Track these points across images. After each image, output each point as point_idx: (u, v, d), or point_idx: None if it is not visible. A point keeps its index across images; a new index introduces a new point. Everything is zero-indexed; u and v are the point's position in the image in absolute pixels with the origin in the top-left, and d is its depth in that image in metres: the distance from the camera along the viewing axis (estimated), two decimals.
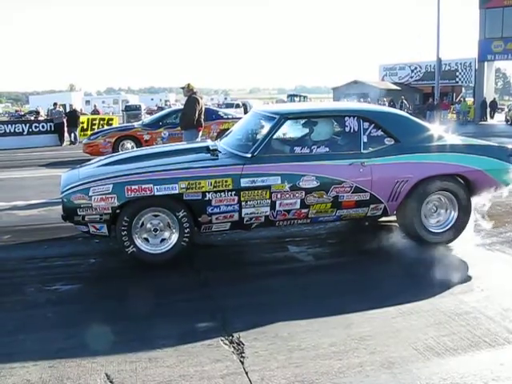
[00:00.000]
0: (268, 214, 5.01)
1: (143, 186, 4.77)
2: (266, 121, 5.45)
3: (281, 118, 5.27)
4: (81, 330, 3.63)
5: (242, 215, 4.97)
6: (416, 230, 5.35)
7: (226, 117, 15.08)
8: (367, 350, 3.30)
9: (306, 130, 5.59)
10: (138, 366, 3.13)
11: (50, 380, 3.01)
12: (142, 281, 4.69)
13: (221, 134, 14.06)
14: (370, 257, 5.16)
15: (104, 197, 4.76)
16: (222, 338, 3.45)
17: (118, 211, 4.80)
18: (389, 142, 5.34)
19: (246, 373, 3.04)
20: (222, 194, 4.86)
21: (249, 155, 5.04)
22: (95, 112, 27.18)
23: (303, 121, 5.62)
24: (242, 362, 3.15)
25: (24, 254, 5.46)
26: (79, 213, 4.82)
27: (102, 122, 21.39)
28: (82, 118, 21.34)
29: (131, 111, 35.19)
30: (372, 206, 5.26)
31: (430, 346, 3.32)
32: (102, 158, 6.22)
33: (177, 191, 4.79)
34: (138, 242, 4.89)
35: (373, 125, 5.34)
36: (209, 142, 5.98)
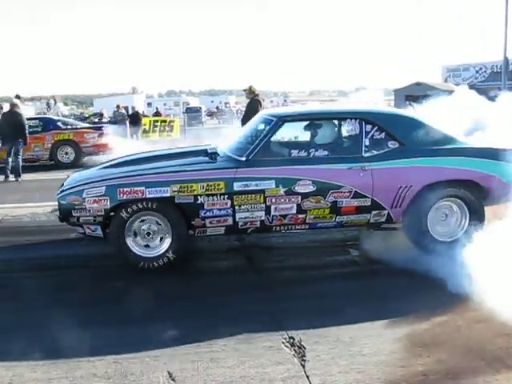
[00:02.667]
0: (263, 218, 4.88)
1: (135, 189, 4.76)
2: (266, 124, 5.33)
3: (278, 121, 5.15)
4: (144, 328, 3.70)
5: (236, 219, 4.86)
6: (422, 239, 5.07)
7: (64, 127, 14.53)
8: (431, 358, 3.21)
9: (305, 133, 5.48)
10: (199, 366, 3.16)
11: (115, 375, 3.08)
12: (202, 280, 4.74)
13: (56, 144, 13.81)
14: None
15: (97, 199, 4.80)
16: (283, 341, 3.44)
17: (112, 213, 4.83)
18: (393, 145, 5.11)
19: (307, 376, 3.02)
20: (215, 197, 4.78)
21: (243, 158, 4.96)
22: (157, 114, 27.70)
23: (302, 123, 5.48)
24: (303, 366, 3.13)
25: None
26: (74, 214, 4.89)
27: (163, 124, 21.82)
28: (144, 120, 21.82)
29: (192, 113, 35.97)
30: (374, 213, 5.03)
31: (498, 357, 3.20)
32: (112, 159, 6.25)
33: (168, 194, 4.76)
34: (131, 244, 4.90)
35: (376, 127, 5.12)
36: (210, 146, 5.88)
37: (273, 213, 4.87)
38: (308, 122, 5.47)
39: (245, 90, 8.98)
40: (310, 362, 3.18)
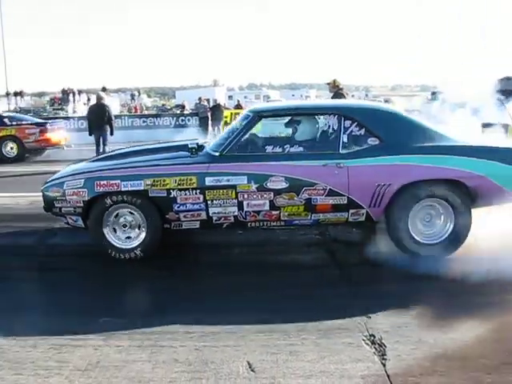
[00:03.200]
0: (237, 214, 4.86)
1: (111, 182, 4.90)
2: (244, 119, 5.24)
3: (254, 116, 5.11)
4: (224, 318, 3.75)
5: (210, 214, 4.88)
6: (402, 240, 4.86)
7: (9, 123, 14.78)
8: None
9: (282, 129, 5.36)
10: (278, 358, 3.17)
11: (196, 362, 3.14)
12: (284, 273, 4.73)
13: (0, 140, 14.16)
14: None
15: (76, 191, 4.98)
16: (364, 338, 3.39)
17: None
18: (373, 141, 4.90)
19: (388, 376, 2.95)
20: (187, 192, 4.83)
21: (217, 154, 4.97)
22: (238, 107, 27.97)
23: (279, 119, 5.35)
24: (384, 365, 3.07)
25: None
26: (56, 205, 5.11)
27: None
28: (226, 112, 22.08)
29: None
30: (352, 211, 4.86)
31: None
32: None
33: (142, 188, 4.86)
34: (109, 236, 5.05)
35: (355, 123, 4.93)
36: (197, 141, 5.74)
37: (245, 209, 4.84)
38: (285, 117, 5.36)
39: (328, 84, 8.88)
40: (390, 361, 3.11)
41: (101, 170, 5.15)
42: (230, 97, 54.01)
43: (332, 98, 8.64)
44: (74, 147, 15.52)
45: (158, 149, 6.05)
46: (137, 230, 5.07)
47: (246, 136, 5.07)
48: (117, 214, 5.06)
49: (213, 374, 3.00)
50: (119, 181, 4.92)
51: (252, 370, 3.04)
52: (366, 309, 3.84)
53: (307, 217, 4.91)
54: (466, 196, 4.81)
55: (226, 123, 21.26)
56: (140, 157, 5.55)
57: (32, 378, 3.06)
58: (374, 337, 3.39)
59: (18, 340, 3.53)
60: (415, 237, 4.88)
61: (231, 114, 22.35)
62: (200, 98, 22.33)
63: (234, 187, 4.81)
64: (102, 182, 4.94)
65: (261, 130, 5.32)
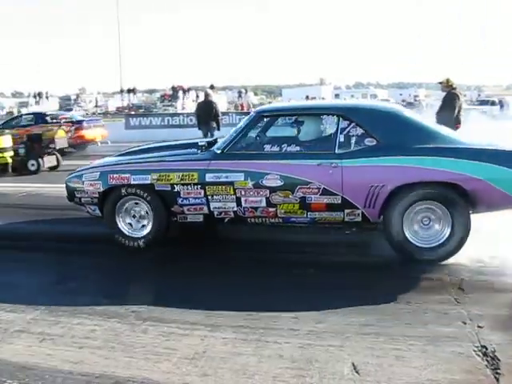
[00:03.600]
0: (236, 209, 5.09)
1: (122, 176, 5.33)
2: (247, 119, 5.42)
3: (256, 116, 5.33)
4: (329, 317, 3.73)
5: (211, 209, 5.15)
6: (398, 243, 4.82)
7: (50, 121, 15.55)
8: None
9: (282, 129, 5.49)
10: (383, 362, 3.10)
11: (300, 359, 3.15)
12: (397, 274, 4.64)
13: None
14: None
15: (92, 183, 5.46)
16: (475, 349, 3.24)
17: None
18: (370, 142, 4.89)
19: None
20: (189, 187, 5.11)
21: (219, 151, 5.19)
22: None
23: (280, 119, 5.47)
24: (497, 379, 2.91)
25: None
26: (76, 195, 5.64)
27: None
28: None
29: None
30: (347, 211, 4.88)
31: None
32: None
33: (149, 181, 5.22)
34: (121, 225, 5.47)
35: (353, 124, 4.94)
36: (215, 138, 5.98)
37: (244, 204, 5.05)
38: (286, 117, 5.51)
39: (440, 83, 8.56)
40: (505, 376, 2.94)
41: (115, 165, 5.60)
42: (337, 95, 53.62)
43: (444, 98, 8.33)
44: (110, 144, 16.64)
45: (176, 146, 6.41)
46: (145, 220, 5.44)
47: (248, 135, 5.28)
48: (129, 205, 5.47)
49: (317, 373, 3.00)
50: (129, 175, 5.33)
51: (356, 372, 3.00)
52: (477, 318, 3.66)
53: (303, 215, 5.00)
54: (464, 200, 4.67)
55: None
56: (155, 153, 5.93)
57: (143, 362, 3.21)
58: (486, 349, 3.22)
59: (129, 324, 3.73)
60: (411, 240, 4.81)
61: None
62: (307, 97, 22.36)
63: (231, 184, 5.02)
64: (114, 176, 5.39)
65: (270, 130, 5.47)
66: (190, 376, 3.03)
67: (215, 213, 5.19)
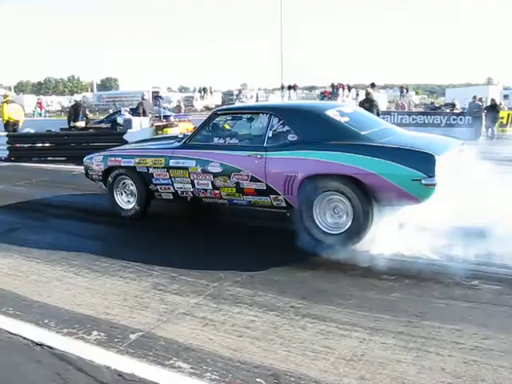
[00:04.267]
0: (192, 190, 6.16)
1: (116, 159, 6.79)
2: (208, 116, 6.57)
3: (212, 114, 6.50)
4: (498, 334, 3.49)
5: (175, 188, 6.30)
6: (307, 227, 5.33)
7: None
8: None
9: (229, 125, 6.34)
10: None
11: (464, 376, 2.97)
12: None
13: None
14: None
15: (98, 163, 7.01)
16: None
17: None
18: (292, 137, 5.58)
19: None
20: (158, 170, 6.33)
21: (182, 142, 6.41)
22: None
23: (229, 116, 6.39)
24: None
25: None
26: (89, 173, 7.27)
27: None
28: (502, 113, 20.56)
29: None
30: (272, 197, 5.64)
31: None
32: None
33: (132, 164, 6.59)
34: (118, 198, 6.95)
35: (281, 121, 5.69)
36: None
37: (196, 186, 6.10)
38: (234, 115, 6.41)
39: None
40: None
41: (115, 150, 7.21)
42: (506, 96, 50.01)
43: None
44: None
45: (165, 137, 8.09)
46: (132, 197, 6.82)
47: (204, 129, 6.32)
48: (123, 183, 6.86)
49: None
50: (121, 158, 6.75)
51: None
52: None
53: (240, 198, 5.89)
54: (363, 192, 5.03)
55: (501, 125, 19.83)
56: (148, 142, 7.64)
57: (300, 358, 3.24)
58: None
59: (288, 319, 3.79)
60: (320, 226, 5.30)
61: (508, 115, 20.74)
62: (474, 97, 21.10)
63: (187, 168, 6.11)
64: (111, 159, 6.86)
65: (220, 125, 6.38)
66: (347, 378, 3.00)
67: (179, 192, 6.33)
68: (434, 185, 4.82)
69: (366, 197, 5.05)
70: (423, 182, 4.82)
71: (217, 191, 5.98)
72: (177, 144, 6.49)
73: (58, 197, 8.70)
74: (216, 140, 6.12)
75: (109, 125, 17.70)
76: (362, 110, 7.52)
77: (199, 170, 6.01)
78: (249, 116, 6.24)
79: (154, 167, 6.38)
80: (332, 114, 5.84)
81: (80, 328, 3.73)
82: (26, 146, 14.53)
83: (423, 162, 4.90)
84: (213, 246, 5.66)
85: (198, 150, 6.11)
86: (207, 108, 46.33)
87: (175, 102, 34.59)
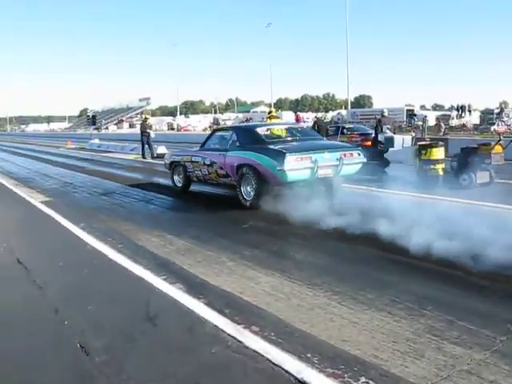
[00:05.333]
0: (201, 175, 10.93)
1: (173, 156, 12.13)
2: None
3: (212, 131, 12.68)
4: None
5: (195, 174, 11.19)
6: (240, 195, 9.57)
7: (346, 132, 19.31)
8: None
9: (217, 137, 11.09)
10: None
11: None
12: None
13: None
14: None
15: (168, 159, 12.27)
16: None
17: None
18: (237, 144, 9.93)
19: None
20: (188, 163, 11.32)
21: (199, 148, 11.51)
22: None
23: (218, 132, 11.61)
24: None
25: None
26: (165, 163, 12.41)
27: None
28: None
29: None
30: (230, 178, 9.96)
31: None
32: None
33: (179, 159, 11.67)
34: (175, 179, 11.94)
35: (235, 135, 10.20)
36: None
37: (203, 173, 10.80)
38: (220, 131, 11.81)
39: None
40: None
41: (176, 152, 12.63)
42: None
43: None
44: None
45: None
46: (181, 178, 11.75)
47: (208, 139, 11.11)
48: (177, 170, 11.76)
49: None
50: (175, 156, 11.98)
51: None
52: None
53: (218, 179, 10.39)
54: (258, 174, 9.18)
55: None
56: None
57: None
58: None
59: None
60: (244, 194, 9.49)
61: None
62: None
63: (197, 162, 10.87)
64: (172, 157, 12.08)
65: (215, 137, 11.16)
66: None
67: (199, 176, 11.02)
68: (284, 171, 8.57)
69: (259, 177, 9.13)
70: (277, 168, 8.65)
71: (210, 175, 10.61)
72: (197, 149, 11.51)
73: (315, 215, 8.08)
74: (210, 146, 10.85)
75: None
76: (297, 125, 13.31)
77: (202, 163, 10.75)
78: (225, 132, 11.11)
79: (187, 161, 11.37)
80: (260, 130, 10.16)
81: (346, 370, 3.31)
82: None
83: (279, 157, 8.69)
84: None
85: (203, 152, 10.92)
86: (463, 126, 43.57)
87: (432, 121, 32.98)
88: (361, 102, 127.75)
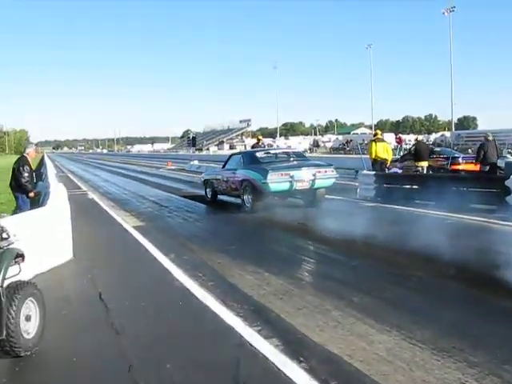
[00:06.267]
0: (221, 189, 14.76)
1: (205, 176, 16.53)
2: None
3: (230, 155, 15.78)
4: None
5: (219, 189, 14.93)
6: (241, 202, 13.29)
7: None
8: None
9: (233, 159, 14.66)
10: None
11: None
12: None
13: None
14: None
15: (202, 178, 16.66)
16: None
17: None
18: (242, 164, 13.75)
19: None
20: (214, 180, 15.21)
21: (221, 168, 15.55)
22: None
23: (233, 156, 15.14)
24: None
25: None
26: (204, 181, 16.35)
27: None
28: None
29: None
30: (239, 191, 13.33)
31: None
32: None
33: (208, 178, 15.82)
34: (206, 191, 16.10)
35: (242, 157, 14.15)
36: None
37: (224, 187, 14.47)
38: (234, 155, 15.49)
39: None
40: None
41: (208, 171, 17.46)
42: None
43: None
44: None
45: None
46: (211, 191, 15.69)
47: (227, 162, 15.01)
48: (208, 185, 15.71)
49: None
50: (205, 175, 16.58)
51: None
52: None
53: (232, 193, 14.08)
54: (253, 186, 12.64)
55: None
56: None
57: None
58: None
59: None
60: (245, 201, 12.99)
61: None
62: None
63: (220, 179, 14.74)
64: (204, 175, 16.65)
65: (232, 160, 15.00)
66: None
67: (221, 190, 14.81)
68: (267, 183, 12.14)
69: (254, 188, 12.64)
70: (262, 181, 12.25)
71: (227, 189, 14.12)
72: (219, 169, 15.54)
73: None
74: (227, 166, 14.60)
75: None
76: (290, 150, 17.69)
77: (221, 180, 14.40)
78: (237, 155, 14.95)
79: (213, 179, 15.17)
80: (259, 154, 14.12)
81: None
82: (392, 186, 13.89)
83: (264, 172, 12.30)
84: None
85: (222, 171, 14.66)
86: None
87: None
88: (464, 123, 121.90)
